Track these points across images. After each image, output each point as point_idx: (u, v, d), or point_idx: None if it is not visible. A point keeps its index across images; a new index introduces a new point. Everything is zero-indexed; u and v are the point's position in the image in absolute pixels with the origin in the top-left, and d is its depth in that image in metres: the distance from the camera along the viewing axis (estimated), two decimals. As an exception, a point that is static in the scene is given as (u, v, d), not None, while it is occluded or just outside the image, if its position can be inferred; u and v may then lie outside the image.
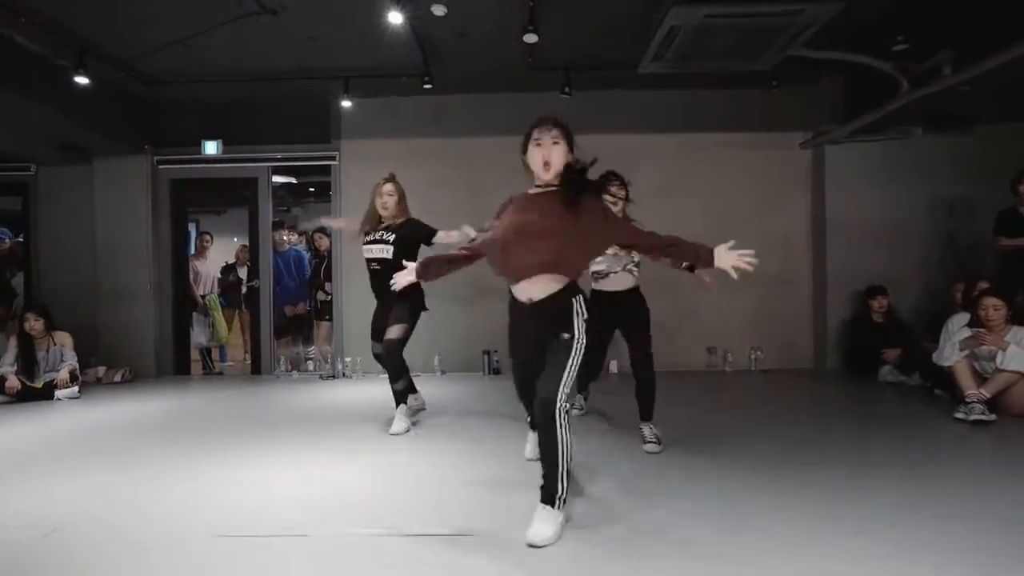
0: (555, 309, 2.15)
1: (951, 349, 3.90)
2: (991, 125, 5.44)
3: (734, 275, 2.17)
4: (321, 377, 5.81)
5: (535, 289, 2.14)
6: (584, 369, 3.14)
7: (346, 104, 5.42)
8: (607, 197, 3.17)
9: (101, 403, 4.76)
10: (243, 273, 7.82)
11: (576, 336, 2.13)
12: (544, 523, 2.00)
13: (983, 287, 4.16)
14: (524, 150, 2.20)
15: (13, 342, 4.95)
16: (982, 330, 3.75)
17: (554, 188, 2.18)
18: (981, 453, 3.15)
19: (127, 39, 4.57)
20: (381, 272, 3.42)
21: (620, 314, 3.31)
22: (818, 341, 5.92)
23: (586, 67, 5.09)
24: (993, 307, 3.75)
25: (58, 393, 4.83)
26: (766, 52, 4.05)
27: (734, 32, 3.73)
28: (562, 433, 2.04)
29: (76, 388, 4.96)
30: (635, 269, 3.33)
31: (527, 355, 2.28)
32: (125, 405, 4.70)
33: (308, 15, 4.22)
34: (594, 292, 3.34)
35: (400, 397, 3.58)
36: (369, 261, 3.61)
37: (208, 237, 6.86)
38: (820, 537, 2.04)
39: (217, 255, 7.40)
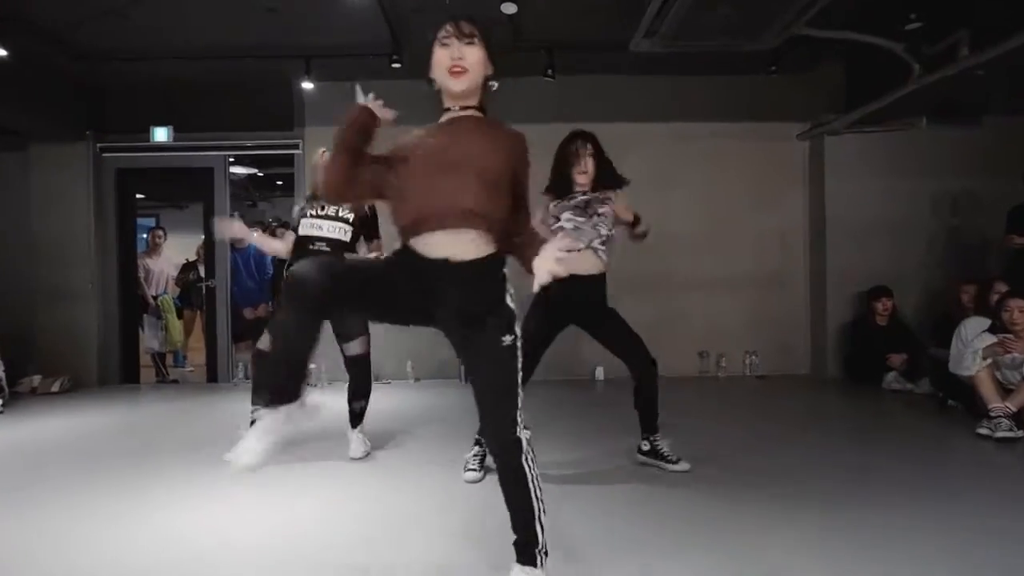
0: (485, 280, 1.60)
1: (972, 357, 3.55)
2: (999, 117, 5.13)
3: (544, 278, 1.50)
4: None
5: (456, 246, 1.54)
6: None
7: (308, 86, 4.94)
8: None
9: (32, 417, 4.25)
10: (202, 271, 7.32)
11: (517, 336, 1.61)
12: None
13: (1002, 289, 3.83)
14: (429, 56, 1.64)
15: (-70, 350, 4.42)
16: (1009, 336, 3.40)
17: (472, 110, 1.67)
18: (1005, 474, 2.81)
19: (54, 6, 4.05)
20: (330, 255, 2.87)
21: (581, 307, 2.69)
22: (816, 345, 5.58)
23: (571, 46, 4.67)
24: (1019, 310, 3.41)
25: (-23, 406, 4.31)
26: (768, 29, 3.67)
27: (734, 4, 3.34)
28: (530, 471, 1.58)
29: None
30: (602, 251, 2.72)
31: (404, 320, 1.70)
32: (60, 419, 4.20)
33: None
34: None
35: (358, 418, 3.12)
36: (312, 240, 2.98)
37: (161, 233, 6.33)
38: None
39: (174, 252, 6.87)
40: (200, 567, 1.90)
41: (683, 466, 2.71)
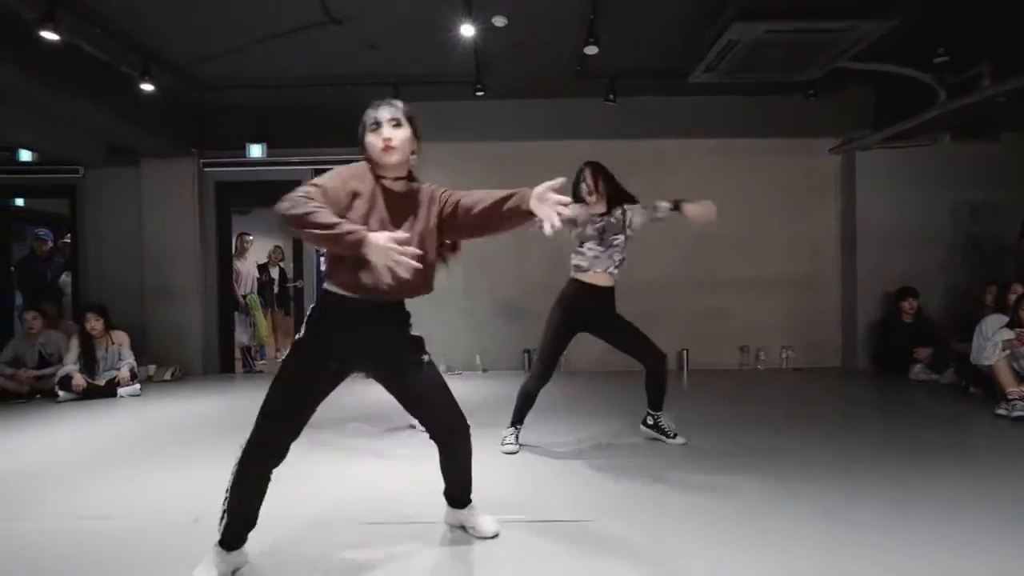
0: (403, 317, 1.98)
1: (992, 348, 4.10)
2: (1016, 133, 5.64)
3: (548, 229, 1.72)
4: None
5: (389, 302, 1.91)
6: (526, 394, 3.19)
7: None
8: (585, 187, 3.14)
9: (163, 400, 4.89)
10: (274, 273, 7.98)
11: (429, 355, 2.03)
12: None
13: (1019, 290, 4.37)
14: (360, 140, 1.90)
15: (75, 342, 5.08)
16: (1024, 331, 3.95)
17: (403, 180, 1.91)
18: (1021, 446, 3.35)
19: (189, 47, 4.70)
20: None
21: (594, 314, 3.15)
22: (847, 340, 6.12)
23: (631, 75, 5.25)
24: (1033, 308, 3.95)
25: (121, 391, 4.97)
26: (814, 64, 4.23)
27: (787, 46, 3.90)
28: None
29: (137, 386, 5.09)
30: (615, 272, 3.17)
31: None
32: (191, 402, 4.84)
33: (372, 24, 4.37)
34: (574, 281, 3.18)
35: None
36: None
37: (248, 237, 6.98)
38: (890, 525, 2.23)
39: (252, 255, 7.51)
40: (390, 500, 2.52)
41: (679, 440, 3.24)
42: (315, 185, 1.77)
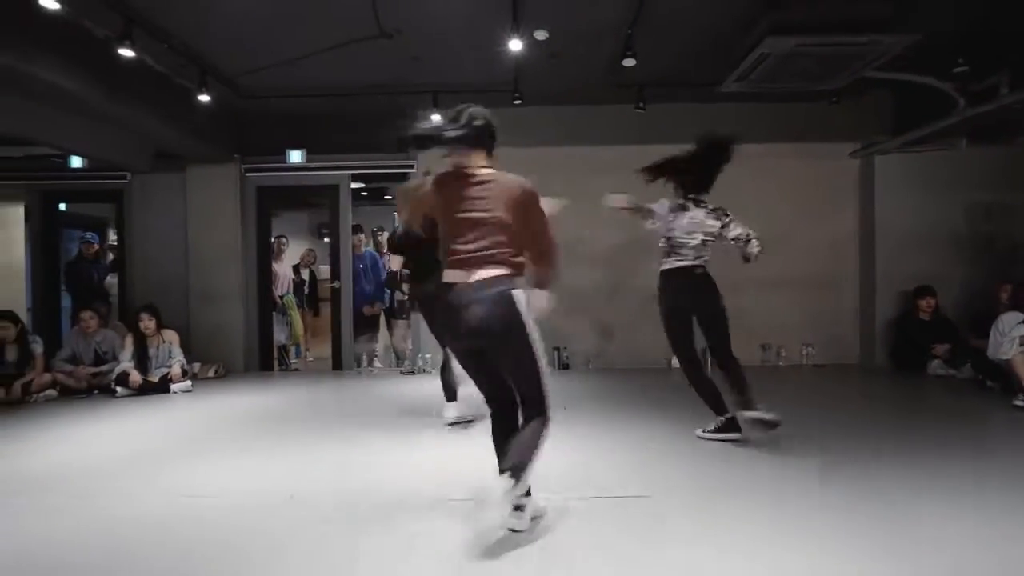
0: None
1: (1009, 344, 4.31)
2: (1031, 136, 5.85)
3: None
4: (402, 373, 6.21)
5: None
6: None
7: (436, 118, 5.77)
8: None
9: (215, 396, 5.13)
10: (305, 275, 8.22)
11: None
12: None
13: (1035, 288, 4.58)
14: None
15: (129, 340, 5.32)
16: (1042, 326, 4.16)
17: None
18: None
19: (243, 61, 4.95)
20: None
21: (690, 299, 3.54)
22: (865, 338, 6.33)
23: (661, 83, 5.47)
24: (1049, 306, 4.16)
25: (173, 387, 5.21)
26: (840, 74, 4.45)
27: (815, 58, 4.12)
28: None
29: (189, 382, 5.34)
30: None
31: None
32: (240, 397, 5.09)
33: (418, 37, 4.60)
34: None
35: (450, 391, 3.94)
36: None
37: (284, 240, 7.23)
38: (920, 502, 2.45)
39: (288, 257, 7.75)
40: (462, 479, 2.75)
41: (770, 416, 3.28)
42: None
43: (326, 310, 8.71)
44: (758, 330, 6.35)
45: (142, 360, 5.29)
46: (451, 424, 3.84)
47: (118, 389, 5.07)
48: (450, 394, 3.91)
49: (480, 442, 3.30)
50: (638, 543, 2.10)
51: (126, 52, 3.83)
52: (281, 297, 7.02)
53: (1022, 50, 4.50)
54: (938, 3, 3.98)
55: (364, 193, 8.51)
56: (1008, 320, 4.71)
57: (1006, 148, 5.78)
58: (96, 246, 6.76)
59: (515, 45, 4.06)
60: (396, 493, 2.61)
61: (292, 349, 7.30)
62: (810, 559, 1.95)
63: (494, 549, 2.05)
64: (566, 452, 3.10)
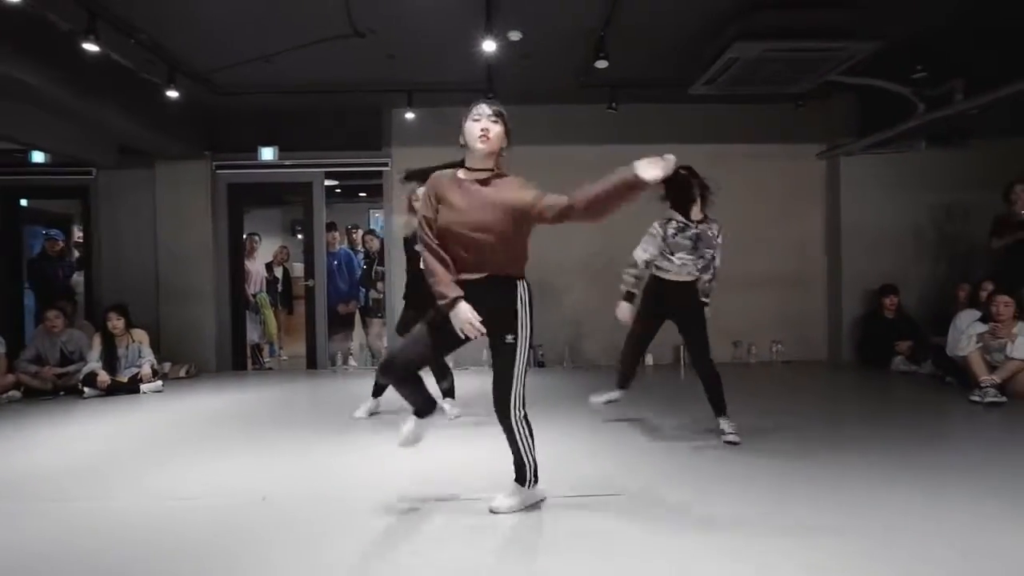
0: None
1: (967, 341, 4.48)
2: (986, 140, 6.06)
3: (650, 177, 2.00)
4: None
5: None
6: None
7: (410, 116, 5.80)
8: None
9: (186, 396, 5.07)
10: (279, 273, 8.14)
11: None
12: (510, 496, 2.38)
13: (990, 287, 4.77)
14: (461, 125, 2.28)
15: (97, 340, 5.22)
16: (996, 324, 4.34)
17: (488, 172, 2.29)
18: (994, 428, 3.72)
19: (214, 57, 4.88)
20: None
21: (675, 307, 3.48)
22: (832, 335, 6.51)
23: (632, 84, 5.55)
24: (1004, 304, 4.34)
25: (143, 387, 5.13)
26: (805, 78, 4.57)
27: (783, 62, 4.23)
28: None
29: (160, 383, 5.26)
30: (698, 271, 3.48)
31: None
32: (212, 397, 5.03)
33: (393, 36, 4.59)
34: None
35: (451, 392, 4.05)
36: None
37: (256, 237, 7.14)
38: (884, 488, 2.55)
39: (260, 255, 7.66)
40: (434, 481, 2.78)
41: (732, 438, 3.30)
42: (423, 216, 2.30)
43: (300, 308, 8.65)
44: (729, 327, 6.47)
45: (111, 360, 5.19)
46: (454, 418, 3.93)
47: (86, 390, 4.98)
48: (447, 390, 4.03)
49: (458, 441, 3.40)
50: (616, 541, 2.15)
51: (91, 47, 3.75)
52: (254, 295, 6.94)
53: (975, 58, 4.69)
54: (899, 12, 4.11)
55: (338, 191, 8.47)
56: (965, 318, 4.90)
57: (963, 151, 5.99)
58: (61, 243, 6.60)
59: (488, 46, 4.08)
60: (374, 492, 2.62)
61: (266, 348, 7.23)
62: (783, 552, 2.02)
63: (472, 545, 2.09)
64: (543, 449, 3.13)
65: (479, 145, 2.22)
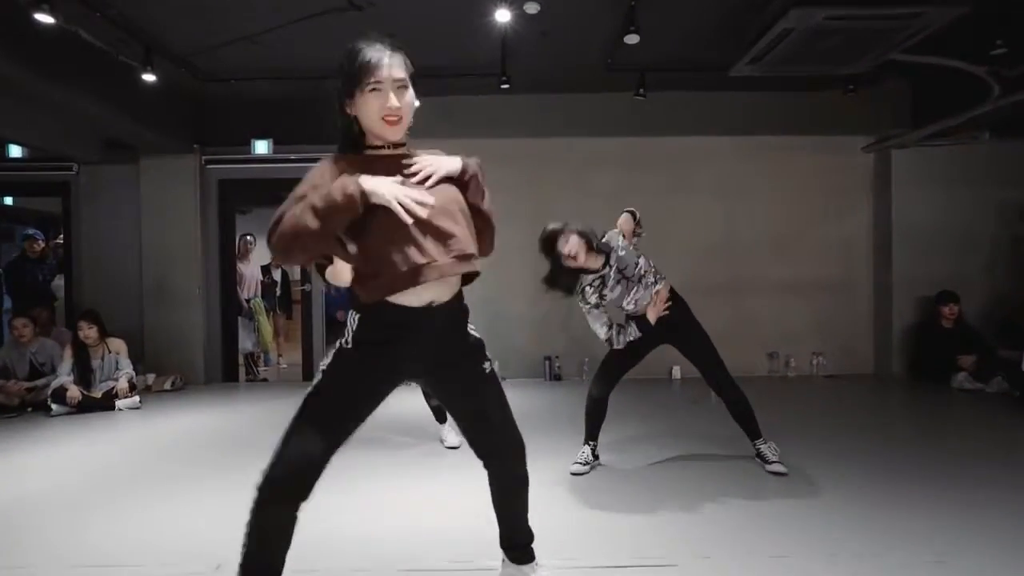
0: (460, 318, 1.63)
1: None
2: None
3: None
4: (414, 384, 5.67)
5: (440, 288, 1.52)
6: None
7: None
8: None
9: (166, 413, 4.57)
10: (277, 275, 7.65)
11: (492, 361, 1.67)
12: None
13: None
14: (343, 97, 1.54)
15: (68, 351, 4.74)
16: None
17: (402, 149, 1.58)
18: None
19: (194, 35, 4.38)
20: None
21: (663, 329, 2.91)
22: (879, 346, 5.88)
23: (663, 68, 4.97)
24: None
25: (119, 403, 4.64)
26: (867, 56, 3.97)
27: (844, 35, 3.64)
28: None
29: (137, 398, 4.76)
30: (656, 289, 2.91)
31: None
32: (196, 415, 4.53)
33: (393, 10, 4.06)
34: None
35: (443, 414, 3.44)
36: None
37: (251, 238, 6.65)
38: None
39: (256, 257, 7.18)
40: (432, 543, 2.23)
41: (778, 468, 2.89)
42: (300, 193, 1.47)
43: (299, 313, 8.18)
44: (764, 337, 5.88)
45: (84, 373, 4.71)
46: (453, 447, 3.40)
47: (54, 407, 4.49)
48: (441, 417, 3.47)
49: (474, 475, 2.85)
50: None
51: (44, 18, 3.26)
52: (248, 301, 6.45)
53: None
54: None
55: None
56: (1044, 330, 4.28)
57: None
58: (42, 244, 6.13)
59: (502, 16, 3.54)
60: (387, 542, 2.08)
61: (261, 357, 6.74)
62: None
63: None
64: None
65: (389, 134, 1.54)
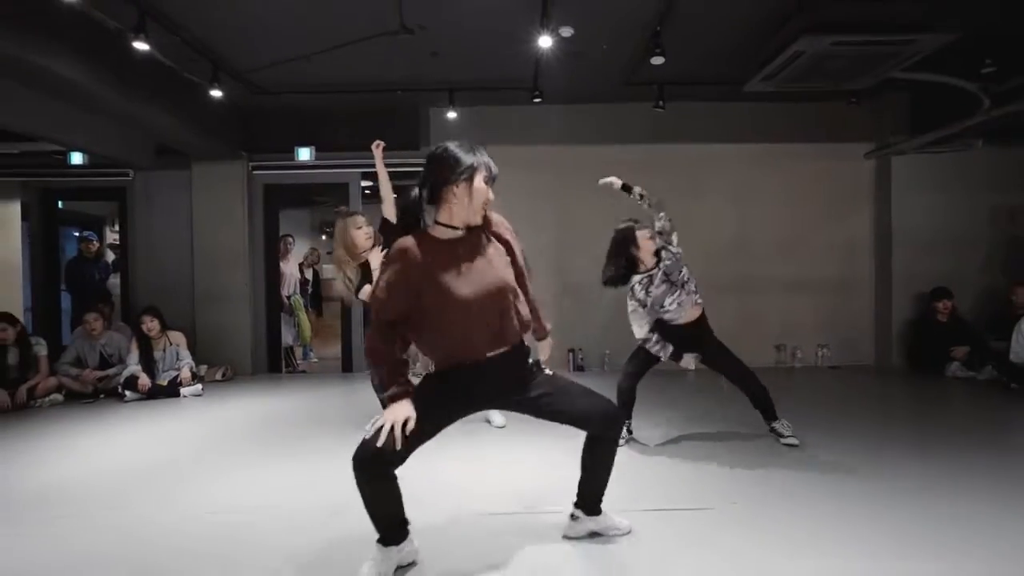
0: (522, 356, 2.01)
1: (1036, 346, 4.28)
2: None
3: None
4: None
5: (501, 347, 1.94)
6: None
7: (451, 115, 5.69)
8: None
9: (226, 400, 4.98)
10: (309, 275, 8.08)
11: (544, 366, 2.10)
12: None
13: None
14: (450, 180, 1.84)
15: (134, 344, 5.16)
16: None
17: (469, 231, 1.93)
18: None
19: (256, 55, 4.79)
20: None
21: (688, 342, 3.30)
22: (881, 340, 6.31)
23: (682, 82, 5.39)
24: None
25: (183, 391, 5.06)
26: (870, 74, 4.39)
27: (848, 57, 4.06)
28: None
29: (199, 386, 5.19)
30: (697, 298, 3.32)
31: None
32: (253, 401, 4.94)
33: (439, 33, 4.47)
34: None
35: None
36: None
37: (291, 239, 7.07)
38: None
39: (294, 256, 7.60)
40: (507, 491, 2.65)
41: (792, 440, 3.31)
42: (377, 298, 1.87)
43: (329, 310, 8.59)
44: (772, 331, 6.31)
45: (148, 363, 5.13)
46: (501, 427, 3.81)
47: (127, 393, 4.92)
48: None
49: (507, 449, 3.29)
50: (705, 555, 2.02)
51: (141, 45, 3.68)
52: (288, 297, 6.88)
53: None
54: (969, 4, 3.93)
55: (367, 192, 8.36)
56: (1031, 322, 4.70)
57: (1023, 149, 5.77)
58: (96, 244, 6.56)
59: (544, 42, 3.95)
60: (432, 505, 2.51)
61: (300, 351, 7.16)
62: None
63: (547, 566, 1.96)
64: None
65: (481, 215, 1.92)
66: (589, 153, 6.06)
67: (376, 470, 1.81)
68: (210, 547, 2.19)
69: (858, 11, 3.71)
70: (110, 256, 7.14)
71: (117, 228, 6.91)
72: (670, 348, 3.26)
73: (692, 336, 3.31)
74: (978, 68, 4.63)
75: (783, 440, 3.35)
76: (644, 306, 3.26)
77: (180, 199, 6.21)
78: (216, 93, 4.71)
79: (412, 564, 2.01)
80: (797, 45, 3.87)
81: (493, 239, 1.97)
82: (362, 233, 3.59)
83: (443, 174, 1.85)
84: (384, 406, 1.85)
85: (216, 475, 3.02)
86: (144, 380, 4.94)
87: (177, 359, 5.27)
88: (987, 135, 5.75)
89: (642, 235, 3.25)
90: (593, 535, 2.20)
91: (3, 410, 4.60)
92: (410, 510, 1.99)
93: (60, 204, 7.19)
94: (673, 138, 6.10)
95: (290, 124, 6.21)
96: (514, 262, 2.01)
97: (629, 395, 3.42)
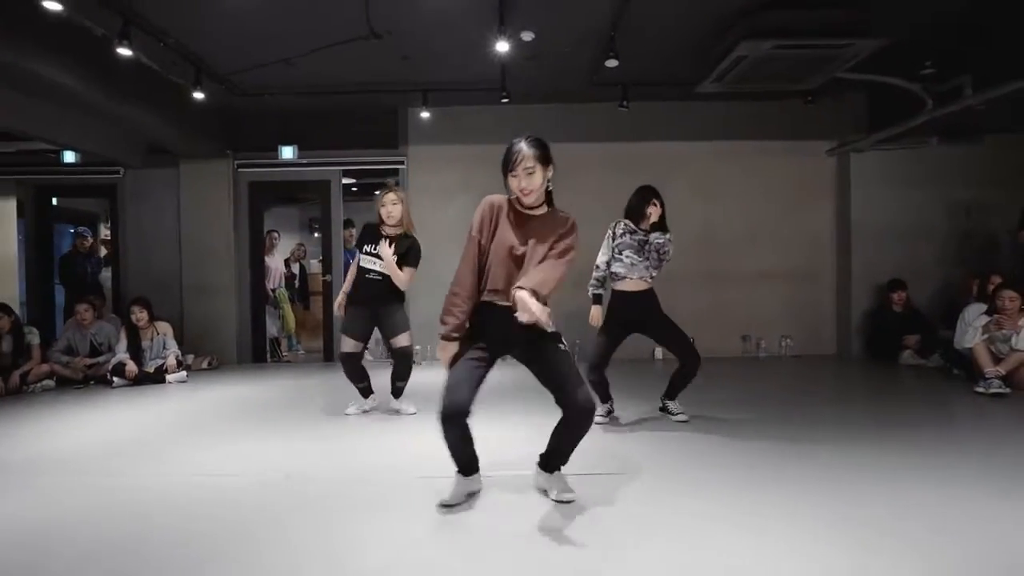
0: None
1: (972, 333, 4.54)
2: (999, 135, 6.09)
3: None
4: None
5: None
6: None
7: (425, 115, 5.95)
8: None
9: (210, 386, 5.26)
10: (296, 269, 8.35)
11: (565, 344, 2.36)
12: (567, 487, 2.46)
13: (997, 281, 4.82)
14: (504, 173, 2.29)
15: (123, 333, 5.43)
16: (1002, 316, 4.39)
17: (538, 208, 2.34)
18: (997, 418, 3.77)
19: (238, 60, 5.06)
20: (381, 283, 3.78)
21: (639, 315, 3.59)
22: (842, 330, 6.56)
23: (642, 83, 5.65)
24: (1009, 298, 4.39)
25: (169, 377, 5.33)
26: (814, 75, 4.64)
27: (790, 60, 4.31)
28: None
29: (184, 373, 5.47)
30: (649, 276, 3.59)
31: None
32: (236, 387, 5.20)
33: (409, 38, 4.74)
34: (615, 292, 3.61)
35: (400, 392, 4.05)
36: (368, 271, 3.82)
37: (276, 234, 7.33)
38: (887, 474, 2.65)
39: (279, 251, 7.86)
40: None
41: (682, 417, 3.64)
42: (470, 236, 2.34)
43: (316, 304, 8.86)
44: (738, 322, 6.57)
45: (136, 352, 5.40)
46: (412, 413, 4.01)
47: (115, 380, 5.19)
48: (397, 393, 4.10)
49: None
50: (627, 517, 2.28)
51: (124, 51, 3.94)
52: (273, 291, 7.14)
53: (983, 53, 4.73)
54: (905, 10, 4.18)
55: (354, 189, 8.65)
56: (973, 311, 4.95)
57: (976, 147, 6.01)
58: (90, 240, 6.84)
59: (502, 47, 4.21)
60: (392, 474, 2.77)
61: (285, 341, 7.42)
62: (787, 540, 2.13)
63: (489, 525, 2.22)
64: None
65: (524, 200, 2.30)
66: (557, 151, 6.29)
67: (455, 420, 2.20)
68: (195, 504, 2.44)
69: (794, 17, 3.96)
70: (103, 251, 7.40)
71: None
72: (601, 291, 3.61)
73: (641, 308, 3.58)
74: (920, 70, 4.89)
75: (675, 418, 3.65)
76: (612, 240, 3.59)
77: (169, 196, 6.48)
78: (199, 95, 4.97)
79: (478, 491, 2.48)
80: (739, 50, 4.12)
81: (560, 232, 2.31)
82: (384, 209, 3.81)
83: (502, 168, 2.30)
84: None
85: (199, 446, 3.29)
86: (131, 367, 5.22)
87: (164, 348, 5.54)
88: (942, 133, 6.00)
89: (656, 204, 3.54)
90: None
91: (-2, 395, 4.88)
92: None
93: (54, 201, 7.47)
94: (639, 136, 6.36)
95: (274, 124, 6.48)
96: (552, 246, 2.30)
97: (600, 382, 3.65)
